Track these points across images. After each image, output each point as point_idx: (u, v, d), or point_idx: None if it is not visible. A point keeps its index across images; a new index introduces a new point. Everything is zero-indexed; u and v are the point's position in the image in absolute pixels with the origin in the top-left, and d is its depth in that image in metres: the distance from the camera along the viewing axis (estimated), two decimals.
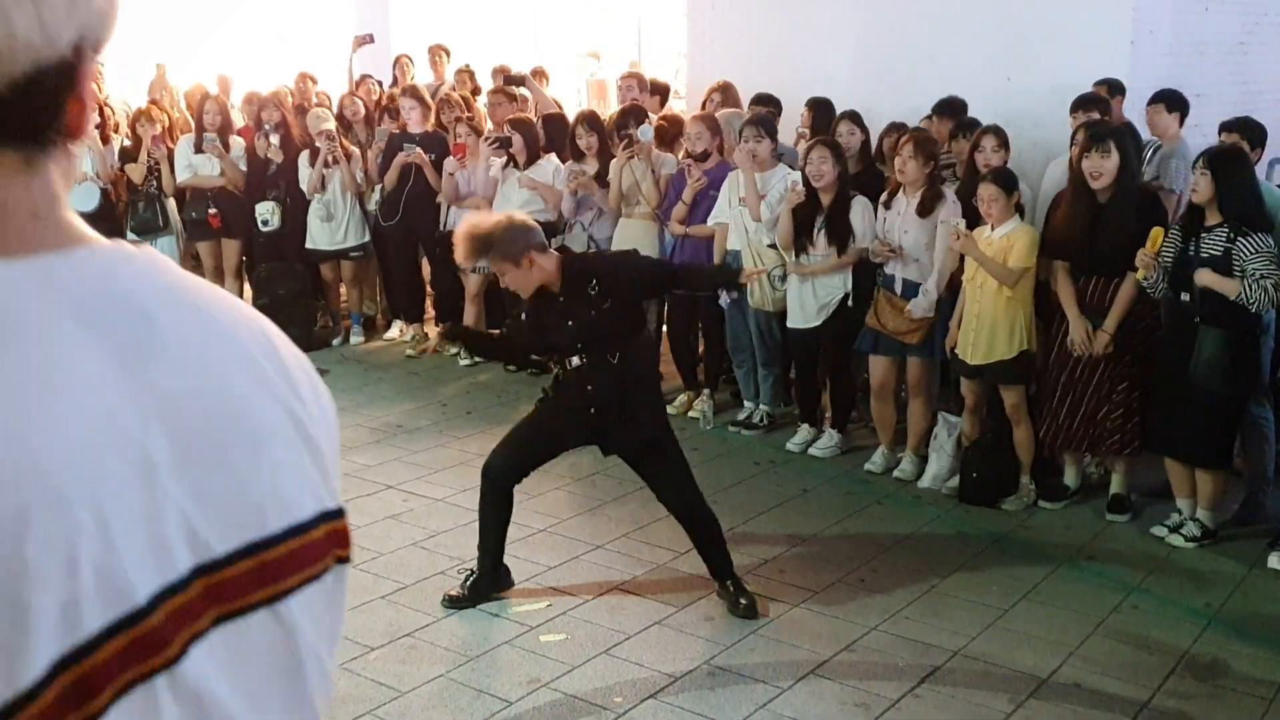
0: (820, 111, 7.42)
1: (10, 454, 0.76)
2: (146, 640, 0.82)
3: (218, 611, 0.87)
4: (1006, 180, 5.71)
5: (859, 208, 6.23)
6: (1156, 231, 5.26)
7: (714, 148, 7.05)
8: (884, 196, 6.21)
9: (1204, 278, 5.05)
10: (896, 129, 6.88)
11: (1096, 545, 5.44)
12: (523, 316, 4.90)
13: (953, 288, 6.03)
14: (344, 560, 0.99)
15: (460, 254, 4.56)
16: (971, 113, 6.93)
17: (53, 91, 0.87)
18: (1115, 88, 6.85)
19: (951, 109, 7.07)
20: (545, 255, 4.55)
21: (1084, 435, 5.67)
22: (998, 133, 6.20)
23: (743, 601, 4.71)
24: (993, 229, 5.70)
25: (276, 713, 0.92)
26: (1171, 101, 6.71)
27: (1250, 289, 4.93)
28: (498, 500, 4.80)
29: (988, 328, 5.71)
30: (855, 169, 6.71)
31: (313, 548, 0.95)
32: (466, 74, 10.33)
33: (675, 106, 9.31)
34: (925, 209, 5.96)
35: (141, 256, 0.93)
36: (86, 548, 0.78)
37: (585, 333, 4.55)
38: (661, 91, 9.01)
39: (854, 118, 6.87)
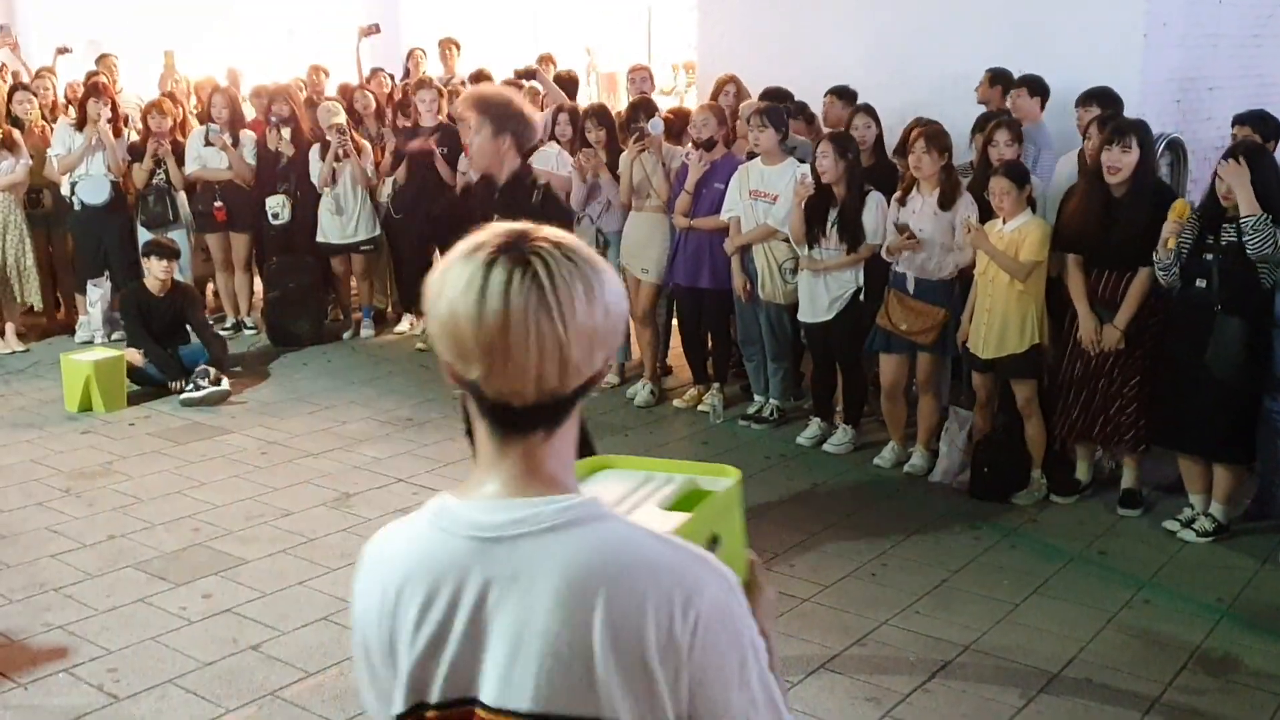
0: (843, 101, 7.37)
1: None
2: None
3: None
4: (1018, 174, 5.69)
5: (873, 203, 6.21)
6: (1180, 203, 5.24)
7: (720, 137, 7.04)
8: (898, 193, 6.18)
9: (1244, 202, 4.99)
10: (921, 123, 6.85)
11: (1108, 540, 5.42)
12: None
13: (964, 281, 6.02)
14: None
15: (462, 102, 4.55)
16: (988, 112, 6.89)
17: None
18: (999, 77, 7.11)
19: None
20: (515, 154, 4.44)
21: (1095, 430, 5.65)
22: (1011, 126, 6.17)
23: None
24: (1004, 222, 5.68)
25: None
26: (1033, 86, 6.84)
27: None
28: None
29: (999, 322, 5.69)
30: (869, 163, 6.69)
31: None
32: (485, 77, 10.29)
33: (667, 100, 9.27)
34: (946, 201, 5.93)
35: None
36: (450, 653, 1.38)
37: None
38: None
39: (869, 111, 6.84)
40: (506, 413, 1.34)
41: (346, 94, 9.74)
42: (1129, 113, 6.20)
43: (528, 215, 3.80)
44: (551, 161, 7.80)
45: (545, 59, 10.18)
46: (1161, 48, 7.23)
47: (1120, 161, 5.36)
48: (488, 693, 1.34)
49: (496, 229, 1.38)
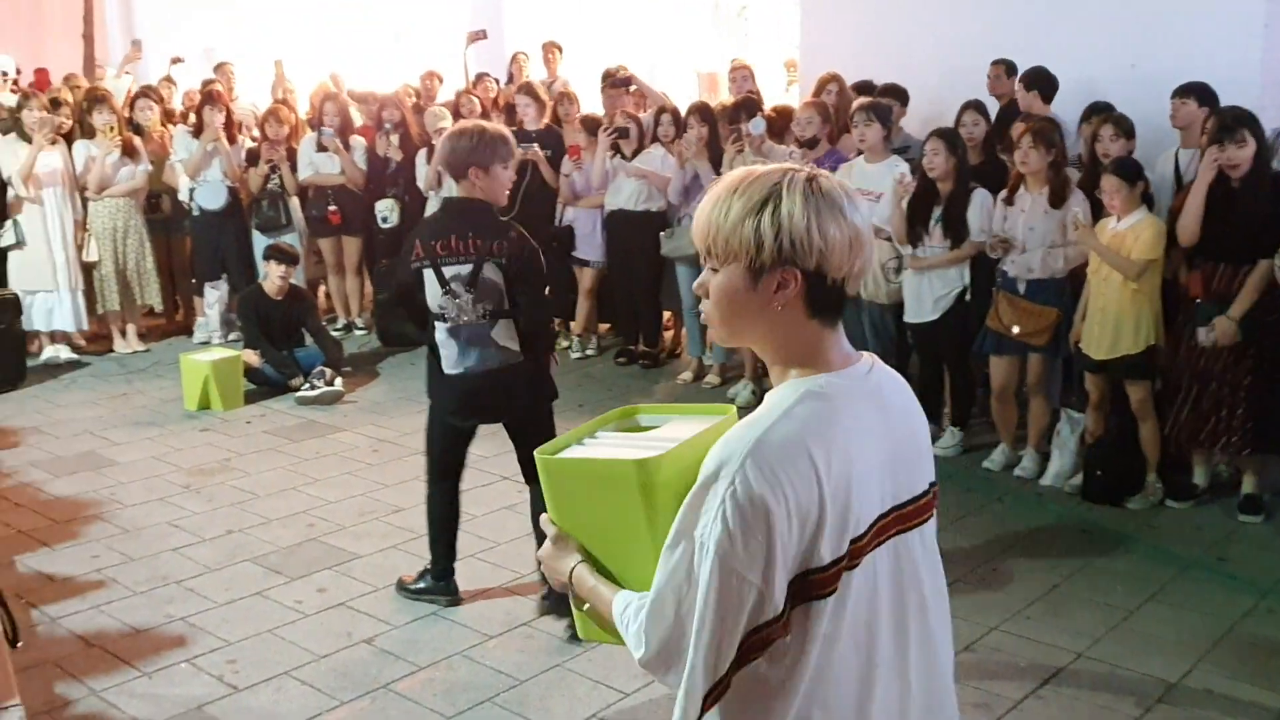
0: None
1: (846, 469, 1.70)
2: (900, 519, 1.81)
3: (900, 527, 1.81)
4: (1129, 170, 5.55)
5: (978, 200, 6.11)
6: None
7: (824, 135, 6.99)
8: (1004, 192, 6.07)
9: None
10: (1027, 118, 6.74)
11: (1228, 546, 5.26)
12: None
13: (1075, 281, 5.90)
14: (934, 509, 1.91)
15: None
16: (1094, 100, 6.74)
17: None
18: (1010, 69, 7.25)
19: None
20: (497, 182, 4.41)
21: (1209, 432, 5.50)
22: (1118, 121, 6.03)
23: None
24: (1118, 220, 5.55)
25: (929, 575, 1.89)
26: (1030, 80, 6.96)
27: None
28: None
29: (1113, 322, 5.57)
30: (979, 160, 6.59)
31: (930, 500, 1.88)
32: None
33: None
34: (1057, 199, 5.82)
35: (878, 366, 1.89)
36: (871, 494, 1.75)
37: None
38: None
39: (978, 107, 6.73)
40: (844, 302, 1.79)
41: (457, 99, 9.88)
42: (1249, 105, 6.00)
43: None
44: (656, 163, 7.83)
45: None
46: None
47: (1237, 157, 5.22)
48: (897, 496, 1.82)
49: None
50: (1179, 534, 5.40)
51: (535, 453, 1.91)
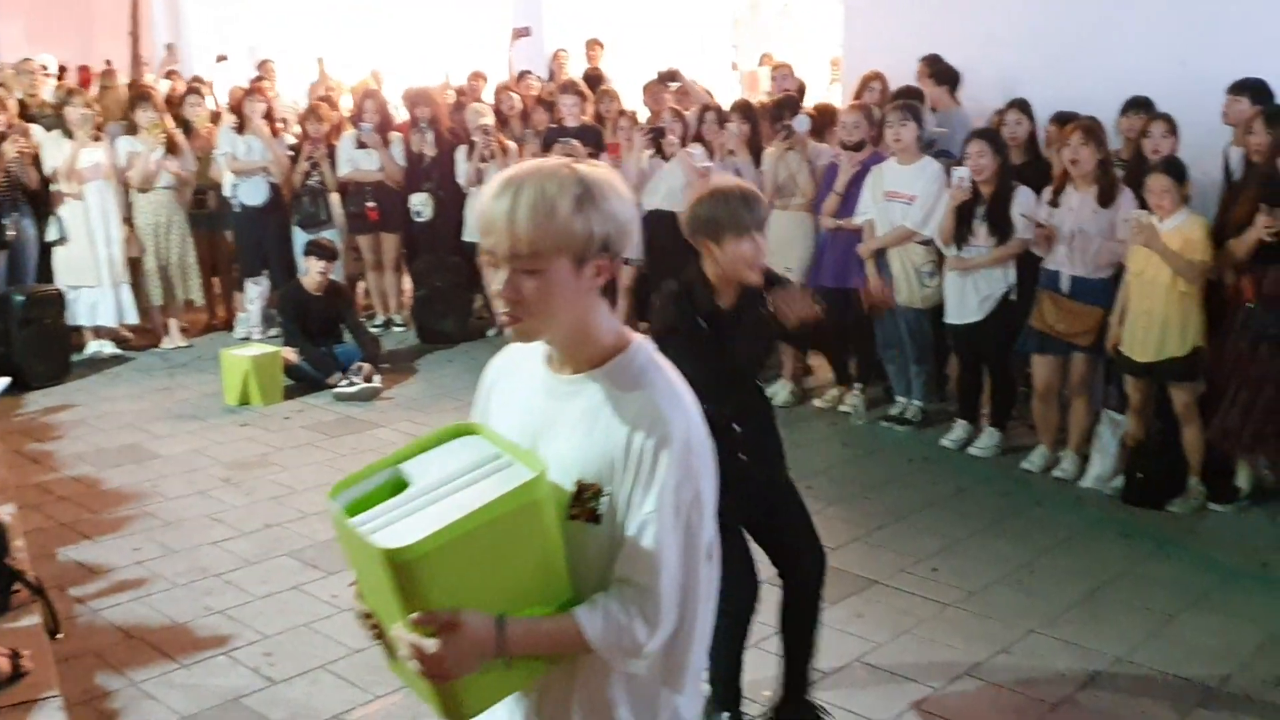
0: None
1: None
2: None
3: None
4: (1177, 170, 5.48)
5: (1021, 199, 6.06)
6: None
7: (869, 138, 6.94)
8: (1048, 193, 6.01)
9: None
10: (1058, 119, 6.67)
11: (1271, 552, 5.18)
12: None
13: (1118, 280, 5.83)
14: None
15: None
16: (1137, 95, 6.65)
17: None
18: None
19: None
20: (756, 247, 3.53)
21: (1256, 435, 5.40)
22: (1166, 120, 5.97)
23: None
24: (1162, 220, 5.48)
25: None
26: (939, 75, 7.30)
27: None
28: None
29: (1158, 324, 5.49)
30: (1021, 160, 6.53)
31: None
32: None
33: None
34: (1106, 198, 5.75)
35: None
36: None
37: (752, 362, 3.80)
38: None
39: (1022, 106, 6.66)
40: None
41: (498, 95, 9.91)
42: None
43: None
44: (698, 162, 7.81)
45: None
46: None
47: None
48: None
49: None
50: (1221, 539, 5.33)
51: (384, 552, 1.69)
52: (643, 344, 1.95)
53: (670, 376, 1.93)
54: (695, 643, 1.95)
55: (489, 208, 1.83)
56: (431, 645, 1.75)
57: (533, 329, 1.89)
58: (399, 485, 1.87)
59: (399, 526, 1.76)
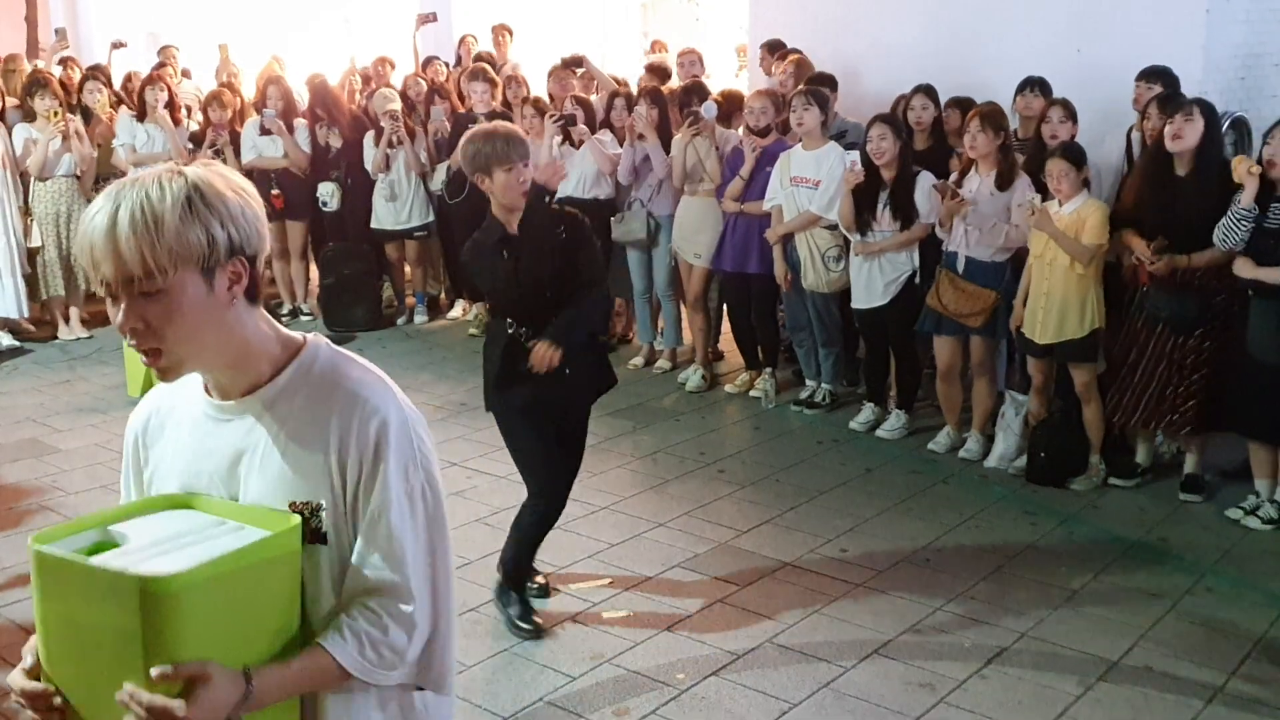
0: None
1: None
2: None
3: None
4: (1076, 155, 5.59)
5: (924, 183, 6.14)
6: (1239, 159, 5.17)
7: (775, 124, 6.98)
8: (954, 177, 6.10)
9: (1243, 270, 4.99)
10: (958, 104, 6.76)
11: (1169, 526, 5.33)
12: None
13: (1015, 264, 5.93)
14: None
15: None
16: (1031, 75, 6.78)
17: None
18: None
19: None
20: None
21: (1153, 412, 5.56)
22: (1065, 105, 6.07)
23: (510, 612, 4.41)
24: (1061, 204, 5.59)
25: None
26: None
27: None
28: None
29: (1058, 306, 5.61)
30: (926, 145, 6.61)
31: None
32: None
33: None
34: (1004, 181, 5.85)
35: None
36: None
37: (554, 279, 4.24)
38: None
39: (928, 92, 6.71)
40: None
41: (405, 81, 9.79)
42: (1191, 90, 6.07)
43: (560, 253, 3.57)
44: (606, 148, 7.79)
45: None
46: (1225, 23, 7.06)
47: (1184, 130, 5.24)
48: None
49: None
50: (1121, 514, 5.47)
51: (141, 581, 1.53)
52: (317, 341, 1.81)
53: (360, 362, 1.81)
54: (451, 639, 1.83)
55: (87, 229, 1.60)
56: (179, 707, 1.53)
57: (175, 361, 1.68)
58: (105, 547, 1.69)
59: (140, 568, 1.57)
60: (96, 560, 1.59)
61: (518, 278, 4.20)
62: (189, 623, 1.55)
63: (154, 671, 1.53)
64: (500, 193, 4.19)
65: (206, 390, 1.79)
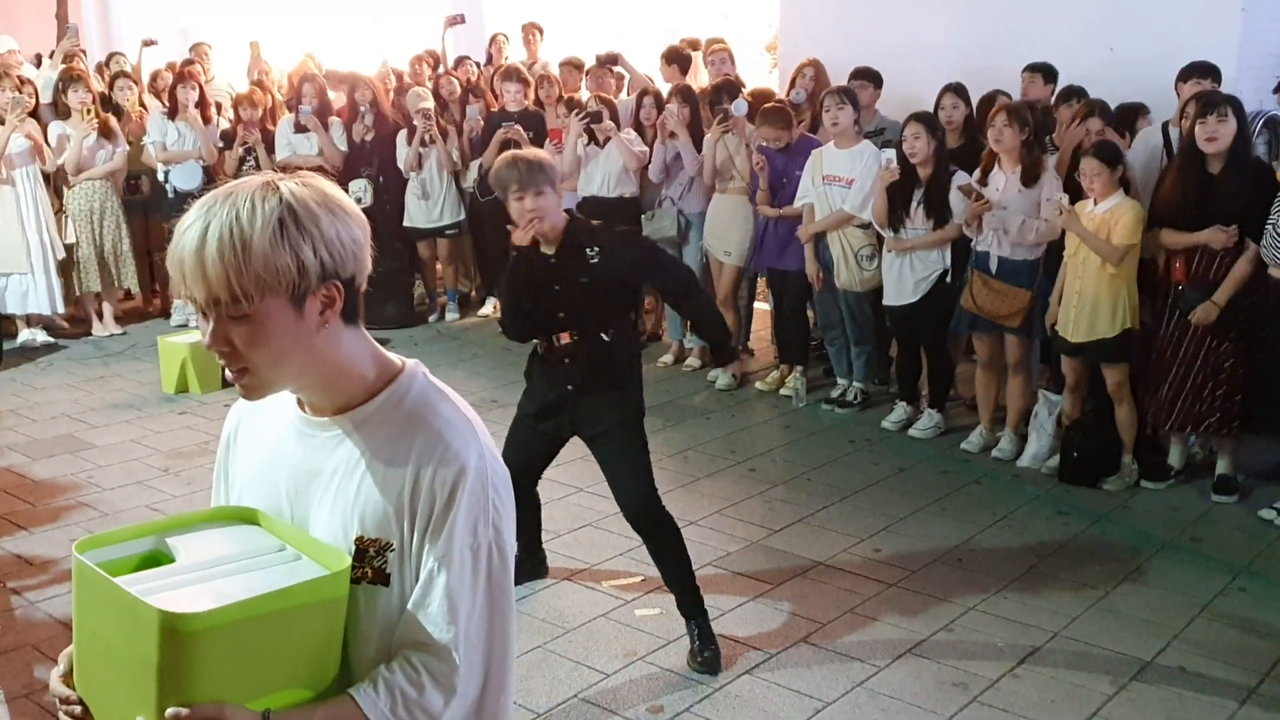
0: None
1: None
2: None
3: None
4: (1109, 154, 5.57)
5: (958, 182, 6.13)
6: None
7: (791, 139, 6.94)
8: (977, 173, 6.09)
9: None
10: (990, 99, 6.75)
11: (1202, 527, 5.31)
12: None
13: (1049, 262, 5.92)
14: None
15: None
16: (1073, 84, 6.76)
17: None
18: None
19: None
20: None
21: (1186, 413, 5.54)
22: (1102, 107, 6.07)
23: (705, 655, 4.11)
24: (1095, 204, 5.57)
25: None
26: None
27: None
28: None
29: (1089, 305, 5.59)
30: (958, 143, 6.60)
31: None
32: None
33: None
34: (1029, 178, 5.84)
35: None
36: None
37: (575, 301, 4.16)
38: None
39: (958, 90, 6.70)
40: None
41: (437, 80, 9.84)
42: (1225, 89, 6.04)
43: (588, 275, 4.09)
44: (633, 145, 7.80)
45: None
46: (1260, 22, 7.02)
47: (1218, 131, 5.21)
48: None
49: None
50: (1154, 515, 5.45)
51: (162, 616, 1.46)
52: (414, 370, 1.74)
53: (454, 401, 1.74)
54: (508, 699, 1.75)
55: (178, 244, 1.55)
56: None
57: (259, 383, 1.62)
58: (158, 558, 1.66)
59: (172, 595, 1.51)
60: (124, 582, 1.53)
61: (546, 300, 4.16)
62: (209, 662, 1.49)
63: (168, 713, 1.48)
64: (515, 217, 4.11)
65: (299, 403, 1.73)
